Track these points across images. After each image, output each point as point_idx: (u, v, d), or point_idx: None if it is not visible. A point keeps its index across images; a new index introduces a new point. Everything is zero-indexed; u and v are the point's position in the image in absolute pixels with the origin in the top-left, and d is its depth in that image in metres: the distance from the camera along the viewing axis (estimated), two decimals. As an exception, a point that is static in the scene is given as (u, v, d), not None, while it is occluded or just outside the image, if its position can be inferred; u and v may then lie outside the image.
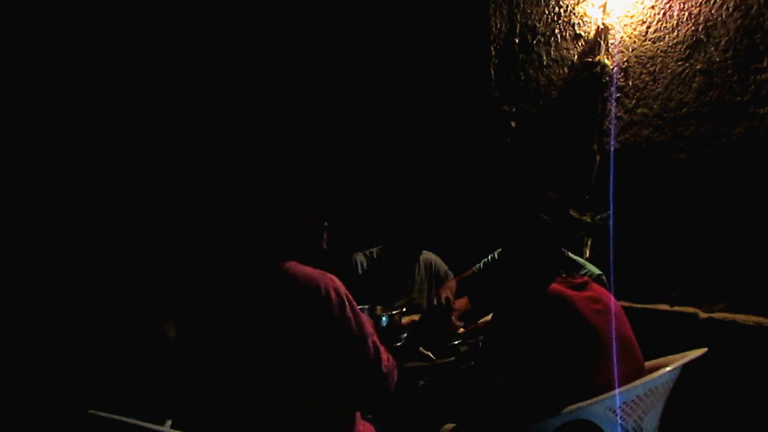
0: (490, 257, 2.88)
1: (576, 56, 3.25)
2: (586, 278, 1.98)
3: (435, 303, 2.58)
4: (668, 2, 2.87)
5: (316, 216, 1.78)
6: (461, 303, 3.03)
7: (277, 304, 1.56)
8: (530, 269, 1.94)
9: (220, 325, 1.64)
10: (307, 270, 1.60)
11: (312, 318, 1.53)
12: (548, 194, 2.26)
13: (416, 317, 2.75)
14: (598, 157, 3.13)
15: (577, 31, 3.24)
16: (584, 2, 3.19)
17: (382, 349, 1.65)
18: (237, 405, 1.58)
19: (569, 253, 2.51)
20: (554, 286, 1.89)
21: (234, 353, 1.59)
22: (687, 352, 1.94)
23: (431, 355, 2.32)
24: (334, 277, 1.61)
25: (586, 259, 3.01)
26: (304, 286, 1.56)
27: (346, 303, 1.58)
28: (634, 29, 2.99)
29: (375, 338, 1.64)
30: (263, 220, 1.71)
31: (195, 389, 1.68)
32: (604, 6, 3.09)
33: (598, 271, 2.56)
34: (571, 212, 3.10)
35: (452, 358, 2.33)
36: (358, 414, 1.73)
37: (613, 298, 1.98)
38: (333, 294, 1.56)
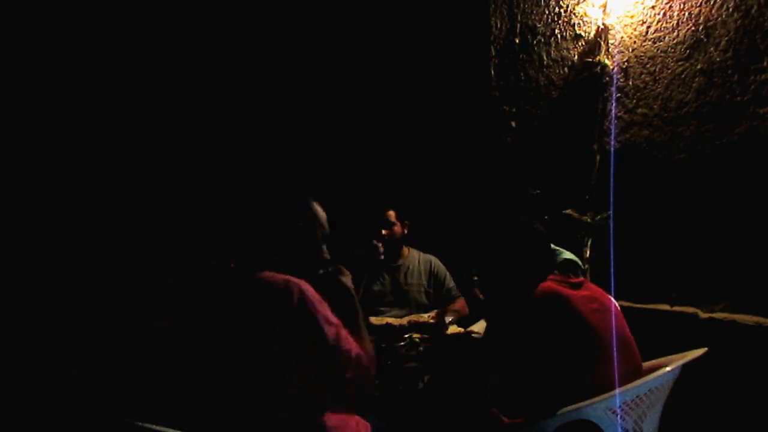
0: None
1: (576, 56, 3.25)
2: (582, 278, 1.99)
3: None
4: (668, 2, 2.88)
5: (305, 222, 1.78)
6: (459, 306, 3.05)
7: (248, 308, 1.62)
8: (520, 269, 1.94)
9: (204, 328, 1.70)
10: (275, 276, 1.63)
11: (277, 319, 1.57)
12: (534, 194, 2.29)
13: (420, 318, 2.75)
14: (598, 157, 3.13)
15: (578, 31, 3.24)
16: (584, 2, 3.20)
17: (352, 350, 1.63)
18: (229, 405, 1.60)
19: None
20: (552, 285, 1.89)
21: (220, 355, 1.65)
22: (687, 352, 1.94)
23: (432, 355, 2.31)
24: (300, 282, 1.62)
25: (586, 260, 3.02)
26: (269, 290, 1.60)
27: (311, 304, 1.59)
28: (635, 29, 3.00)
29: (345, 342, 1.63)
30: (247, 225, 1.76)
31: (187, 390, 1.71)
32: (605, 6, 3.09)
33: (568, 254, 2.61)
34: (571, 212, 3.11)
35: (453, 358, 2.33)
36: (354, 413, 1.73)
37: (611, 297, 1.98)
38: (295, 298, 1.57)
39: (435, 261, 3.31)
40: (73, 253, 3.33)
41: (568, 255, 2.65)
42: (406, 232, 3.26)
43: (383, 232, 3.16)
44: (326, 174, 3.85)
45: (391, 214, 3.20)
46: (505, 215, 2.11)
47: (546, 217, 2.72)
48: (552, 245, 2.43)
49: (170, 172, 3.75)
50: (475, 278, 2.78)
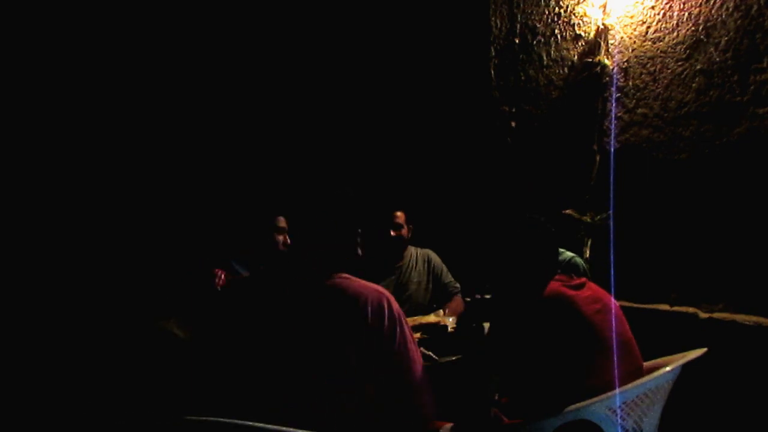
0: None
1: (576, 56, 3.25)
2: (584, 279, 1.99)
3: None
4: (668, 2, 2.88)
5: (356, 223, 1.73)
6: (456, 304, 3.05)
7: (326, 317, 1.52)
8: (529, 270, 1.94)
9: (261, 334, 1.58)
10: (360, 284, 1.56)
11: (356, 330, 1.50)
12: (538, 194, 2.29)
13: (422, 319, 2.76)
14: (598, 157, 3.13)
15: (578, 32, 3.24)
16: (584, 2, 3.20)
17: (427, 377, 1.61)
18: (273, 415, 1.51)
19: None
20: (554, 285, 1.89)
21: (274, 362, 1.54)
22: (687, 352, 1.94)
23: (433, 354, 2.32)
24: (386, 293, 1.57)
25: (586, 260, 3.02)
26: (353, 300, 1.52)
27: (397, 322, 1.53)
28: (634, 29, 3.00)
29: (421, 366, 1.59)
30: (313, 230, 1.67)
31: (227, 401, 1.61)
32: (604, 6, 3.09)
33: (570, 254, 2.61)
34: (571, 212, 3.11)
35: (453, 358, 2.33)
36: None
37: (612, 297, 1.98)
38: (385, 311, 1.52)
39: (432, 254, 3.33)
40: (79, 255, 3.34)
41: (569, 255, 2.66)
42: (410, 234, 3.28)
43: (392, 233, 3.17)
44: (328, 172, 3.84)
45: (400, 215, 3.21)
46: (517, 214, 2.10)
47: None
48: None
49: (184, 174, 3.77)
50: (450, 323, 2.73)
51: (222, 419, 1.35)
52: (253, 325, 1.59)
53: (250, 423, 1.36)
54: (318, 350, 1.50)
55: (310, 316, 1.53)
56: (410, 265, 3.27)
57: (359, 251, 1.72)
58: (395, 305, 1.56)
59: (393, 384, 1.52)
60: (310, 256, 1.63)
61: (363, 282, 1.58)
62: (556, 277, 1.93)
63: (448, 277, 3.27)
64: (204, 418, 1.36)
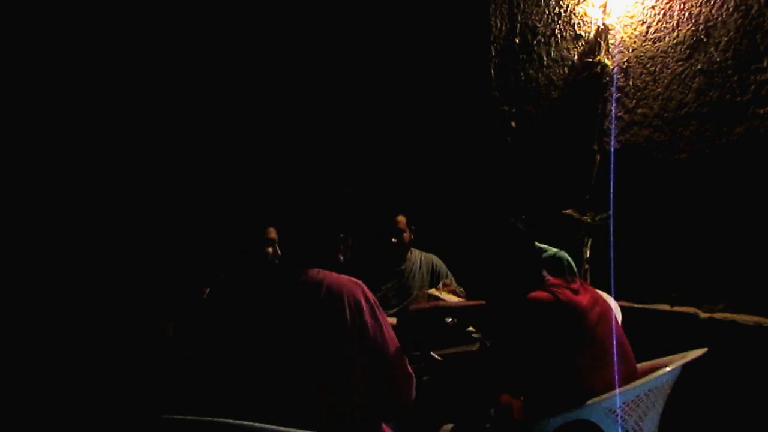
0: None
1: (576, 56, 3.25)
2: (579, 281, 1.98)
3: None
4: (668, 2, 2.88)
5: (343, 227, 1.74)
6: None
7: (303, 311, 1.55)
8: (506, 272, 1.94)
9: (241, 330, 1.61)
10: (333, 276, 1.59)
11: (338, 324, 1.53)
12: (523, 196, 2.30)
13: (422, 295, 2.75)
14: (598, 157, 3.13)
15: (578, 31, 3.24)
16: (584, 2, 3.20)
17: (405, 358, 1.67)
18: (260, 413, 1.52)
19: None
20: (553, 290, 1.88)
21: (257, 359, 1.56)
22: (687, 352, 1.94)
23: (435, 355, 2.31)
24: (360, 283, 1.60)
25: (586, 260, 3.02)
26: (329, 292, 1.55)
27: (375, 309, 1.58)
28: (635, 29, 3.00)
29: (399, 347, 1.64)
30: (300, 229, 1.70)
31: (213, 397, 1.63)
32: (605, 6, 3.09)
33: (555, 250, 2.60)
34: (571, 212, 3.11)
35: (452, 350, 2.32)
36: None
37: (609, 297, 1.98)
38: (361, 300, 1.56)
39: (436, 260, 3.31)
40: (76, 256, 3.34)
41: (553, 251, 2.65)
42: (412, 237, 3.26)
43: (393, 240, 3.15)
44: (328, 173, 3.84)
45: (402, 219, 3.19)
46: (487, 217, 2.10)
47: (541, 217, 2.72)
48: (537, 243, 2.42)
49: (181, 175, 3.77)
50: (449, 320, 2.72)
51: (215, 419, 1.36)
52: (236, 325, 1.62)
53: (243, 422, 1.37)
54: (297, 345, 1.53)
55: (288, 313, 1.56)
56: (413, 269, 3.24)
57: (341, 257, 1.74)
58: (370, 294, 1.60)
59: (371, 369, 1.56)
60: (309, 257, 1.64)
61: (336, 275, 1.61)
62: (552, 281, 1.93)
63: (453, 284, 3.26)
64: (195, 418, 1.37)
